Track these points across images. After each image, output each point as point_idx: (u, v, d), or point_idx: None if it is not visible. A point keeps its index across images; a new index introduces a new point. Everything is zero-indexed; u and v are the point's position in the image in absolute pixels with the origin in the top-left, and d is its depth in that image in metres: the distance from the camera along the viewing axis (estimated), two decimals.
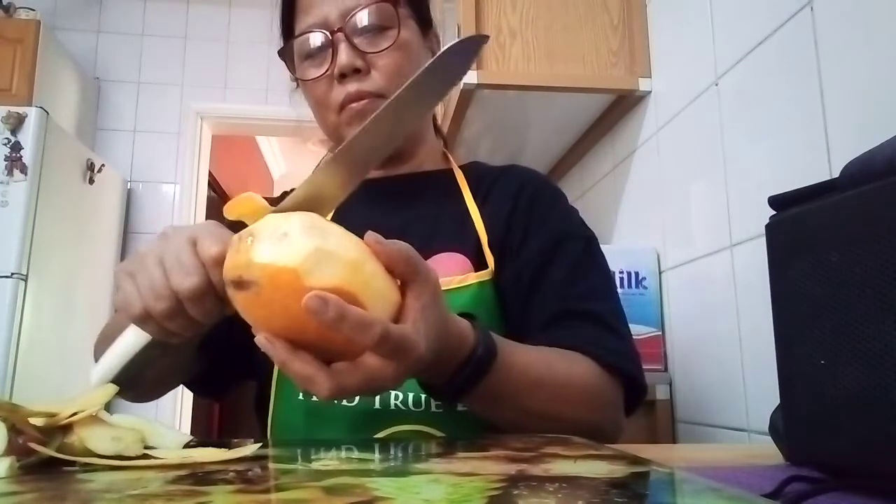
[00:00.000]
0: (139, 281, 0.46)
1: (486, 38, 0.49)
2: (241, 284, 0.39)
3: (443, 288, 0.67)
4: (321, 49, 0.69)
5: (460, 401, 0.52)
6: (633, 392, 0.65)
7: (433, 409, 0.62)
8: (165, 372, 0.65)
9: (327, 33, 0.68)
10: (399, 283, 0.43)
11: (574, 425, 0.57)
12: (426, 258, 0.69)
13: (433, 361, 0.45)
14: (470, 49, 0.48)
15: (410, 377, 0.44)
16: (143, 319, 0.47)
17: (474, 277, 0.66)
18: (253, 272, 0.39)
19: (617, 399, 0.63)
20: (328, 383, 0.39)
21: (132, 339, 0.49)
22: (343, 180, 0.46)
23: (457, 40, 0.47)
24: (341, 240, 0.40)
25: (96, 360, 0.52)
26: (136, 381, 0.52)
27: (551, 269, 0.67)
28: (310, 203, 0.45)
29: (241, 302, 0.41)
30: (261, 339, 0.39)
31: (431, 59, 0.46)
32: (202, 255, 0.45)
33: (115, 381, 0.49)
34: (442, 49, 0.46)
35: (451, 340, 0.48)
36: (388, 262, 0.41)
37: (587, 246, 0.70)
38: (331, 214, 0.60)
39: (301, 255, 0.38)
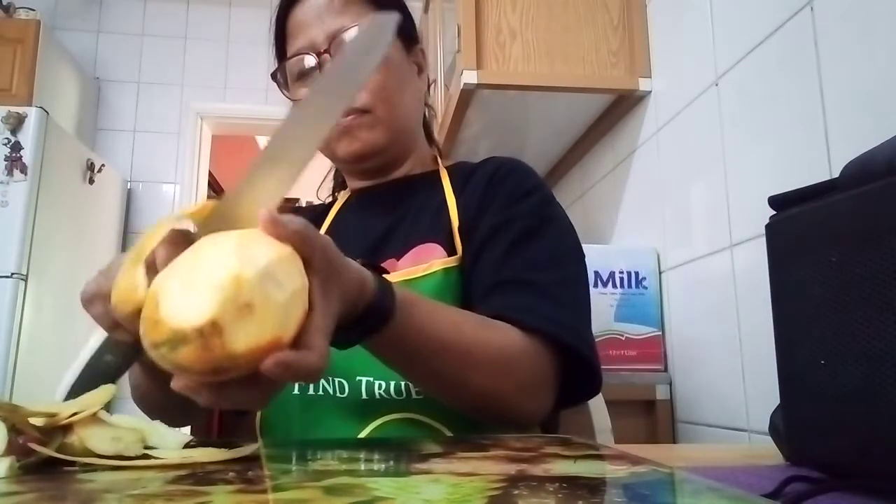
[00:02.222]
0: (100, 271, 0.45)
1: (398, 18, 0.47)
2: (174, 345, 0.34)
3: (406, 277, 0.67)
4: (310, 70, 0.73)
5: (358, 343, 0.49)
6: (584, 371, 0.61)
7: (414, 395, 0.62)
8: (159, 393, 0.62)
9: (315, 55, 0.72)
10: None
11: (480, 394, 0.56)
12: (405, 252, 0.69)
13: (346, 315, 0.43)
14: (382, 27, 0.46)
15: None
16: (90, 302, 0.44)
17: (440, 264, 0.67)
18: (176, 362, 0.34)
19: (541, 371, 0.59)
20: (263, 397, 0.38)
21: (92, 341, 0.46)
22: (280, 179, 0.43)
23: (369, 20, 0.46)
24: (277, 286, 0.35)
25: None
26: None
27: (492, 244, 0.66)
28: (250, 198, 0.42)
29: (168, 357, 0.34)
30: (179, 387, 0.36)
31: (344, 47, 0.44)
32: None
33: (75, 388, 0.44)
34: (356, 33, 0.44)
35: (349, 288, 0.45)
36: (290, 242, 0.38)
37: (541, 222, 0.68)
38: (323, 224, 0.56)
39: (239, 352, 0.33)
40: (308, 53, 0.73)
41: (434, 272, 0.66)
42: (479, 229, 0.68)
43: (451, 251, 0.69)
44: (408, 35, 0.78)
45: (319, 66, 0.72)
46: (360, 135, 0.72)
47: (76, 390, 0.45)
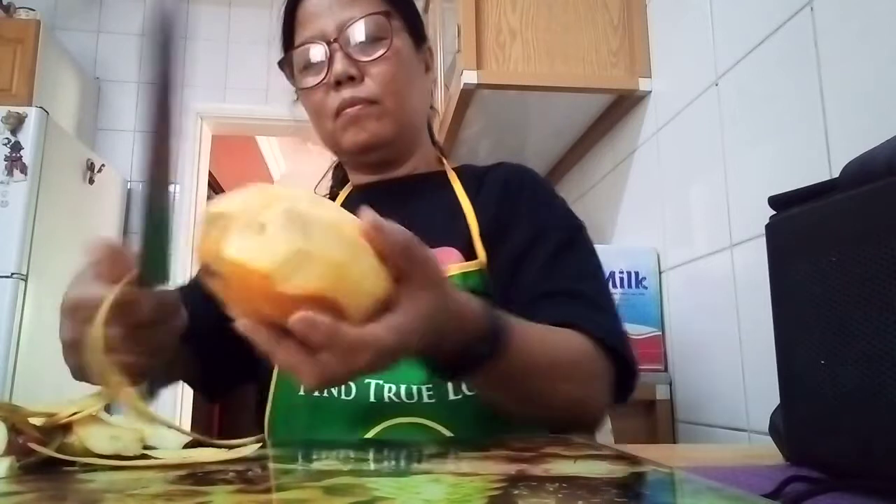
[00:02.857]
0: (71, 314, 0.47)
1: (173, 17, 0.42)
2: (210, 273, 0.35)
3: None
4: (319, 59, 0.73)
5: (463, 379, 0.50)
6: (626, 375, 0.63)
7: (425, 399, 0.62)
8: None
9: (324, 44, 0.72)
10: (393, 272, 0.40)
11: (569, 403, 0.58)
12: None
13: (434, 344, 0.43)
14: (165, 27, 0.42)
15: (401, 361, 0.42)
16: (71, 351, 0.47)
17: (457, 268, 0.67)
18: (222, 266, 0.34)
19: (607, 376, 0.61)
20: (313, 373, 0.37)
21: None
22: None
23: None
24: (328, 236, 0.34)
25: None
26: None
27: (534, 254, 0.68)
28: None
29: (214, 287, 0.37)
30: (242, 326, 0.36)
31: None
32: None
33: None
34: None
35: (461, 322, 0.45)
36: (383, 254, 0.39)
37: (573, 234, 0.71)
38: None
39: (277, 258, 0.33)
40: (317, 43, 0.72)
41: (452, 277, 0.66)
42: (510, 239, 0.69)
43: (468, 256, 0.69)
44: (417, 32, 0.78)
45: (329, 55, 0.71)
46: (367, 125, 0.72)
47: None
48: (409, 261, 0.39)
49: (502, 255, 0.69)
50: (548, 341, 0.57)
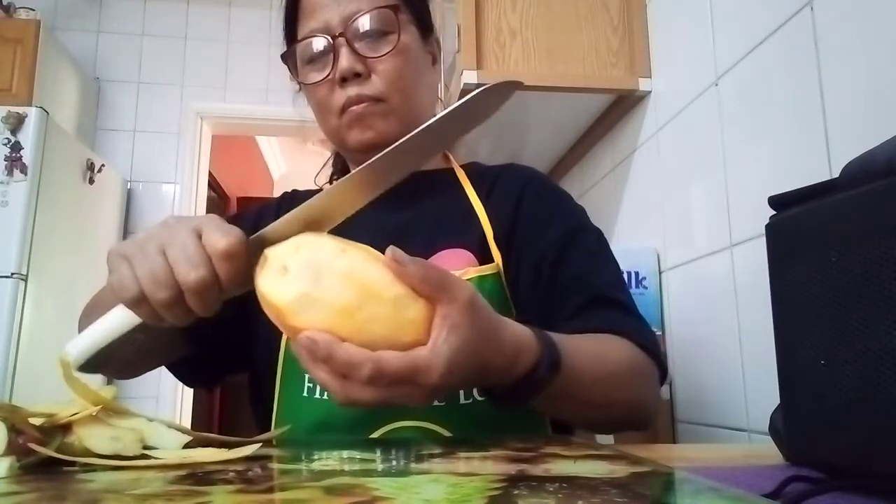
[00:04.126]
0: (138, 266, 0.45)
1: (519, 84, 0.49)
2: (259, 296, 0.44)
3: None
4: (323, 53, 0.71)
5: (525, 405, 0.52)
6: (661, 374, 0.67)
7: (435, 402, 0.61)
8: (144, 352, 0.64)
9: (329, 38, 0.70)
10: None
11: (629, 409, 0.60)
12: (430, 255, 0.69)
13: (479, 374, 0.45)
14: (501, 95, 0.48)
15: (448, 393, 0.47)
16: (138, 304, 0.46)
17: (474, 272, 0.67)
18: (259, 293, 0.44)
19: (656, 376, 0.65)
20: (340, 394, 0.41)
21: (119, 320, 0.48)
22: (354, 198, 0.49)
23: (488, 85, 0.47)
24: (336, 283, 0.41)
25: (80, 331, 0.50)
26: (112, 360, 0.51)
27: (571, 259, 0.69)
28: (321, 214, 0.48)
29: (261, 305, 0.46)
30: (294, 347, 0.42)
31: (459, 102, 0.46)
32: (209, 247, 0.45)
33: (91, 359, 0.48)
34: (472, 93, 0.46)
35: (504, 349, 0.47)
36: (410, 285, 0.42)
37: (599, 237, 0.74)
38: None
39: (289, 297, 0.41)
40: (322, 36, 0.70)
41: (469, 279, 0.66)
42: (536, 247, 0.70)
43: (483, 259, 0.69)
44: (424, 23, 0.76)
45: (334, 49, 0.69)
46: (373, 124, 0.70)
47: (100, 359, 0.46)
48: (431, 287, 0.42)
49: (534, 260, 0.69)
50: (600, 353, 0.59)
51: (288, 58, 0.74)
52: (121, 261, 0.47)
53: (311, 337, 0.40)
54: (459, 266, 0.67)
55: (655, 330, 1.33)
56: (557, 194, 0.76)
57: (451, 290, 0.42)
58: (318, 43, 0.70)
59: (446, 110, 0.46)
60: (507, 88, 0.48)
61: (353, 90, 0.69)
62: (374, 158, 0.47)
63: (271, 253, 0.44)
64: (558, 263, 0.69)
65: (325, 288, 0.41)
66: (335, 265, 0.42)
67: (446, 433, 0.61)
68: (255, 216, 0.79)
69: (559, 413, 0.61)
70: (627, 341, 0.62)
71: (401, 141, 0.47)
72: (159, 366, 0.72)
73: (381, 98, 0.69)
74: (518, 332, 0.49)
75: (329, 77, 0.70)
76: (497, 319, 0.47)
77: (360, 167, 0.47)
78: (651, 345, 0.64)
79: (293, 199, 0.82)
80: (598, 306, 0.66)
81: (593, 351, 0.58)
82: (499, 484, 0.29)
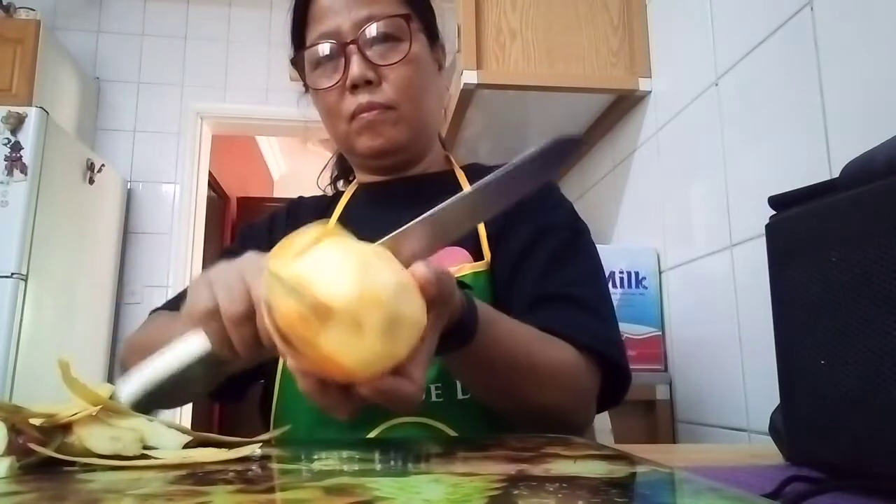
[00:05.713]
0: (216, 282, 0.45)
1: (580, 139, 0.47)
2: (289, 344, 0.37)
3: None
4: (333, 59, 0.70)
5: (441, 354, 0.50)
6: (617, 380, 0.64)
7: (433, 398, 0.62)
8: (196, 386, 0.63)
9: (340, 44, 0.70)
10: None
11: (542, 408, 0.58)
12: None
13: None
14: (563, 150, 0.46)
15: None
16: (209, 318, 0.44)
17: (469, 268, 0.68)
18: (312, 353, 0.36)
19: (592, 385, 0.62)
20: (346, 409, 0.41)
21: (185, 349, 0.46)
22: (416, 249, 0.47)
23: (550, 140, 0.43)
24: (410, 335, 0.38)
25: (126, 371, 0.48)
26: (164, 397, 0.48)
27: (533, 256, 0.68)
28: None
29: (282, 348, 0.39)
30: (302, 385, 0.40)
31: (523, 156, 0.43)
32: None
33: (146, 396, 0.45)
34: (535, 148, 0.43)
35: (452, 314, 0.47)
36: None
37: (574, 236, 0.71)
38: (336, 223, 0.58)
39: (366, 362, 0.36)
40: (333, 42, 0.70)
41: (464, 276, 0.67)
42: (513, 239, 0.69)
43: (476, 256, 0.69)
44: (432, 31, 0.77)
45: (344, 56, 0.69)
46: (383, 131, 0.70)
47: (159, 393, 0.45)
48: (438, 291, 0.41)
49: (503, 257, 0.69)
50: (531, 343, 0.58)
51: (297, 61, 0.74)
52: (201, 282, 0.46)
53: (379, 387, 0.38)
54: (455, 263, 0.68)
55: (655, 330, 1.33)
56: (543, 193, 0.75)
57: (441, 292, 0.42)
58: (329, 48, 0.70)
59: (511, 165, 0.42)
60: (569, 143, 0.44)
61: (363, 97, 0.69)
62: (438, 207, 0.46)
63: (337, 306, 0.35)
64: (522, 260, 0.68)
65: (403, 342, 0.38)
66: (410, 315, 0.38)
67: (445, 428, 0.62)
68: (267, 225, 0.79)
69: (478, 392, 0.59)
70: (567, 345, 0.60)
71: (466, 192, 0.45)
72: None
73: (392, 106, 0.70)
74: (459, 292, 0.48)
75: (339, 83, 0.70)
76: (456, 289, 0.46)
77: (424, 216, 0.46)
78: (602, 344, 0.61)
79: (300, 206, 0.83)
80: (549, 302, 0.65)
81: (522, 337, 0.57)
82: (499, 484, 0.29)
